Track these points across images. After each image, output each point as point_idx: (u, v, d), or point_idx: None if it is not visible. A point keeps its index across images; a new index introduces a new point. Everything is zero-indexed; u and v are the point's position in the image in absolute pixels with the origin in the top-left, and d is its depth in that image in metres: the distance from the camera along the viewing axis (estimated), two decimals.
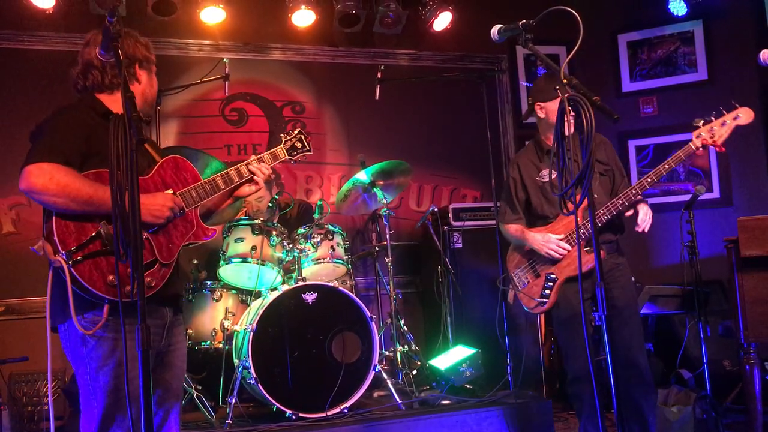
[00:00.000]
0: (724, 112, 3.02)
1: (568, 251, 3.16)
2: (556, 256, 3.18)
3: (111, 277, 2.02)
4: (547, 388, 4.83)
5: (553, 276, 3.22)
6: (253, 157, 2.53)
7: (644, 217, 3.15)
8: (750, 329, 3.22)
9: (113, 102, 2.25)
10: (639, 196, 3.13)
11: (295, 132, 2.71)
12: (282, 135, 2.69)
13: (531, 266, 3.32)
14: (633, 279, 3.33)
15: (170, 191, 2.25)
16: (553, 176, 3.27)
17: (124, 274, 2.02)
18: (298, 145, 2.69)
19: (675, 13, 5.64)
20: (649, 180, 3.07)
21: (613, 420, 2.16)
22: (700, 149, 3.03)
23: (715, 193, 5.52)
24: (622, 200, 3.10)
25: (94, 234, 2.03)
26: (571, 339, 3.18)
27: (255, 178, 2.48)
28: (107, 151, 1.91)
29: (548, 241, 3.19)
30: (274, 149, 2.62)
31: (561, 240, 3.18)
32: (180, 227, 2.25)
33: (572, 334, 3.16)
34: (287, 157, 2.65)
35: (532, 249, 3.26)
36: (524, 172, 3.36)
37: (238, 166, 2.46)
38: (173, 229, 2.23)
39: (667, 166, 3.06)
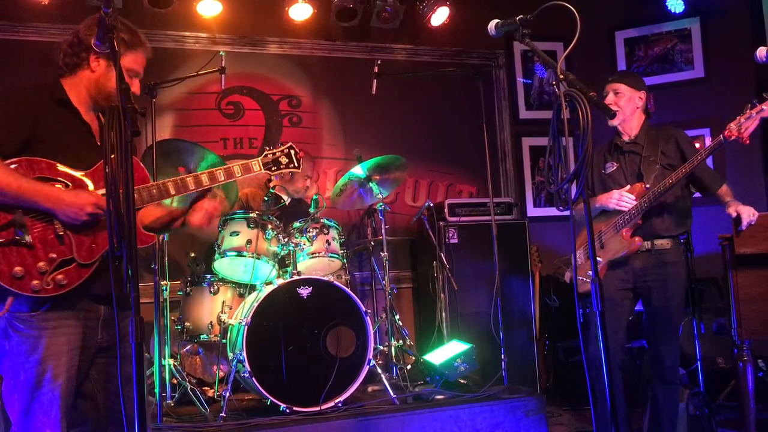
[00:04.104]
0: (757, 104, 3.02)
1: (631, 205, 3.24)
2: (625, 206, 3.24)
3: (18, 269, 1.94)
4: (541, 384, 4.85)
5: (598, 258, 3.27)
6: (220, 168, 2.34)
7: (748, 217, 3.12)
8: (744, 327, 3.24)
9: (72, 86, 2.23)
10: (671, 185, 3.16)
11: (285, 146, 2.56)
12: (266, 147, 2.55)
13: (585, 248, 3.42)
14: (683, 283, 3.35)
15: (102, 191, 2.06)
16: (613, 169, 3.46)
17: (31, 266, 1.95)
18: (284, 160, 2.54)
19: (672, 11, 5.64)
20: (683, 170, 3.12)
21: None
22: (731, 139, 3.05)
23: None
24: (655, 189, 3.16)
25: (4, 222, 1.96)
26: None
27: (215, 190, 2.33)
28: (52, 141, 1.91)
29: (610, 195, 3.30)
30: (249, 161, 2.46)
31: (628, 192, 3.27)
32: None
33: (608, 320, 3.23)
34: (263, 171, 2.48)
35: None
36: (594, 161, 3.55)
37: (198, 173, 2.29)
38: (100, 230, 2.07)
39: (699, 157, 3.10)
